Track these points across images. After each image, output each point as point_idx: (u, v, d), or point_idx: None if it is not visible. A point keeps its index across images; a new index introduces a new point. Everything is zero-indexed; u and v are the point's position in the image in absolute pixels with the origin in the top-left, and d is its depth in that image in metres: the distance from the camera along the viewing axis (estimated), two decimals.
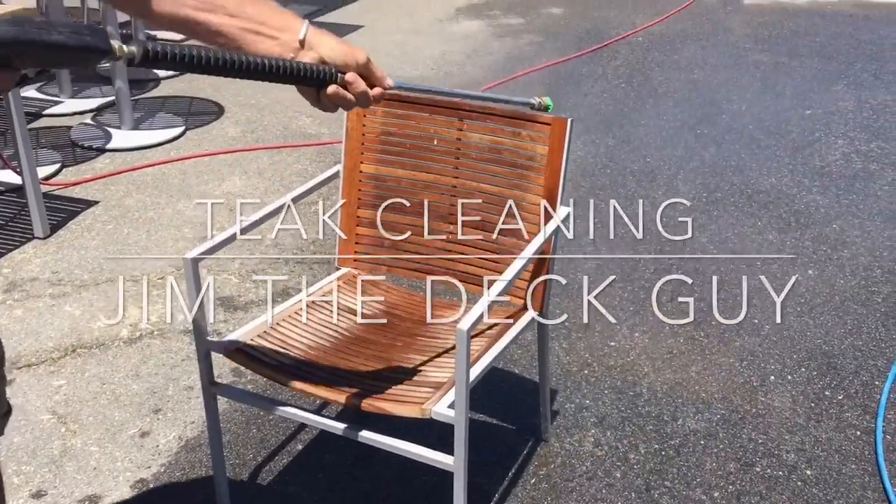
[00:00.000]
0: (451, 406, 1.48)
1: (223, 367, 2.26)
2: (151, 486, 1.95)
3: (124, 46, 0.89)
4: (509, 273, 1.56)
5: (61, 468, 1.99)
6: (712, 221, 3.18)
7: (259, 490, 1.94)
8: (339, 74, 1.11)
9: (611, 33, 5.50)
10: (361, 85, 1.13)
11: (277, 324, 1.76)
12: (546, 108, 1.53)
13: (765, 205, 3.31)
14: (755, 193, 3.40)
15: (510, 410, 2.20)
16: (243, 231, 1.72)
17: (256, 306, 2.63)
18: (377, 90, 1.17)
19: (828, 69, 4.88)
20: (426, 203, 1.92)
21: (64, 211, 3.22)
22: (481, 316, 1.44)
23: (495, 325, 1.79)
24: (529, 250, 1.64)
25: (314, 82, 1.11)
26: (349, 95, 1.13)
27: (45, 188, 3.26)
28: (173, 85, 4.58)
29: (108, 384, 2.28)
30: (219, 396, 1.78)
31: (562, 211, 1.78)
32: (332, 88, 1.11)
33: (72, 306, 2.63)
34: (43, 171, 3.45)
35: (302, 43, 1.09)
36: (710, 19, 5.87)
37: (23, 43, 0.80)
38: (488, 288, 1.87)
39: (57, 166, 3.56)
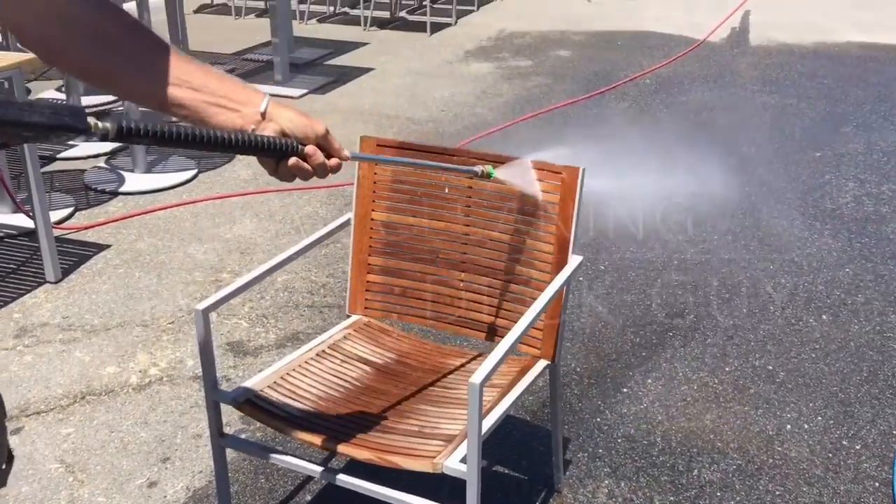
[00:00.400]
0: (463, 460, 1.46)
1: (232, 414, 2.24)
2: None
3: (99, 123, 0.92)
4: (522, 323, 1.54)
5: None
6: (724, 265, 3.16)
7: None
8: (299, 146, 1.15)
9: (619, 75, 5.53)
10: (320, 157, 1.17)
11: (287, 373, 1.75)
12: (488, 176, 1.62)
13: (777, 248, 3.29)
14: (767, 236, 3.38)
15: (521, 458, 2.17)
16: (252, 283, 1.72)
17: (266, 351, 2.62)
18: (334, 161, 1.20)
19: (836, 111, 4.89)
20: (438, 251, 1.92)
21: (76, 255, 3.23)
22: (494, 368, 1.42)
23: (507, 373, 1.77)
24: (542, 300, 1.63)
25: (276, 154, 1.14)
26: (308, 167, 1.16)
27: (57, 232, 3.28)
28: None
29: (116, 432, 2.26)
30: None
31: (574, 259, 1.77)
32: (292, 160, 1.15)
33: (82, 352, 2.62)
34: (56, 215, 3.47)
35: (263, 115, 1.13)
36: (718, 61, 5.90)
37: (4, 122, 0.84)
38: (499, 336, 1.86)
39: (70, 210, 3.58)
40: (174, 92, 1.08)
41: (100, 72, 1.07)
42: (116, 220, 3.50)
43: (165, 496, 2.04)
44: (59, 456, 2.17)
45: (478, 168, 1.61)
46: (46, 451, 2.19)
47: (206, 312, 1.60)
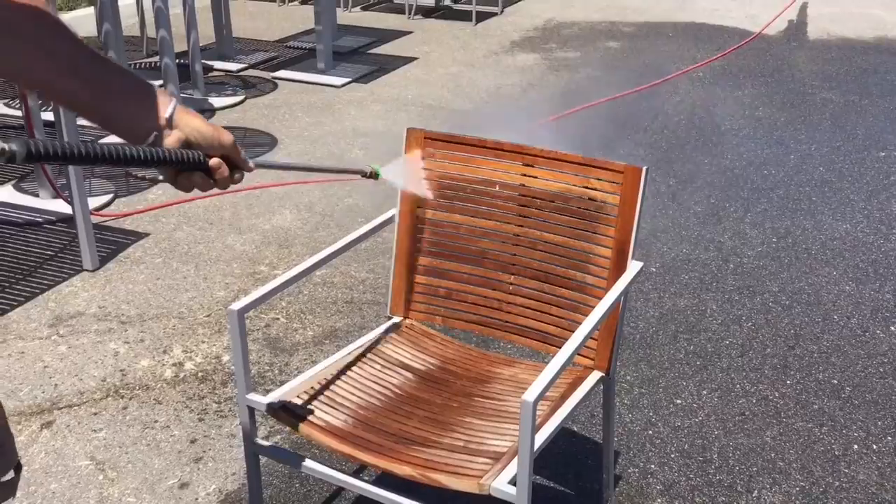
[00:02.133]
0: (513, 481, 1.35)
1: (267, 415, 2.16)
2: None
3: (5, 146, 0.89)
4: (580, 334, 1.43)
5: None
6: (783, 269, 3.00)
7: None
8: (204, 158, 1.09)
9: (670, 68, 5.35)
10: (225, 171, 1.11)
11: (325, 378, 1.65)
12: (375, 176, 1.52)
13: (840, 252, 3.12)
14: (829, 240, 3.21)
15: (569, 472, 2.05)
16: (289, 283, 1.62)
17: (304, 348, 2.54)
18: (238, 175, 1.15)
19: None
20: (486, 251, 1.81)
21: (114, 243, 3.18)
22: (549, 384, 1.31)
23: (559, 385, 1.66)
24: (601, 309, 1.51)
25: (182, 167, 1.09)
26: (208, 180, 1.11)
27: (95, 219, 3.23)
28: (228, 116, 4.56)
29: (149, 429, 2.19)
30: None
31: (633, 265, 1.65)
32: (196, 175, 1.10)
33: (116, 343, 2.56)
34: (95, 202, 3.42)
35: (168, 121, 1.05)
36: (774, 55, 5.69)
37: None
38: (549, 344, 1.74)
39: (109, 196, 3.54)
40: (71, 83, 1.02)
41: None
42: (155, 209, 3.45)
43: (197, 498, 1.97)
44: (90, 452, 2.11)
45: (366, 168, 1.52)
46: (77, 446, 2.13)
47: (241, 313, 1.51)
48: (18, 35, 0.98)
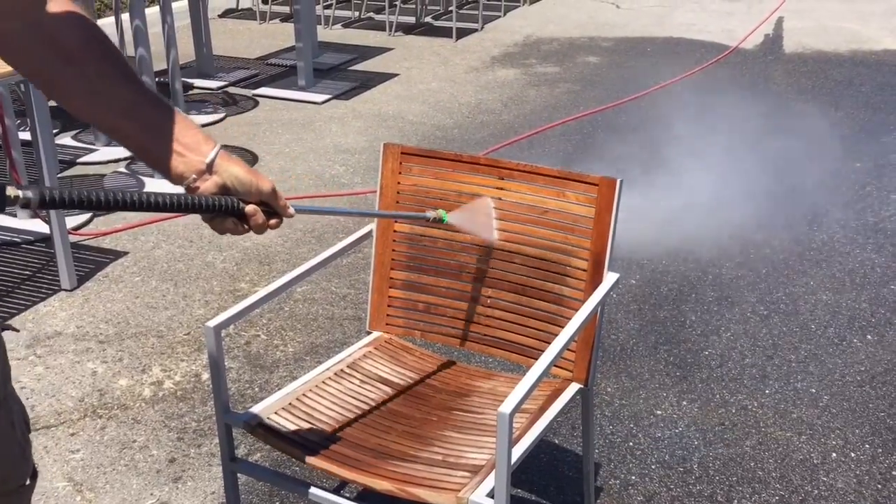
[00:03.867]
0: (491, 494, 1.35)
1: (246, 433, 2.15)
2: None
3: (20, 193, 0.91)
4: (556, 346, 1.43)
5: None
6: (761, 279, 3.03)
7: None
8: (240, 205, 1.10)
9: (648, 83, 5.40)
10: (260, 218, 1.12)
11: (303, 394, 1.65)
12: (440, 220, 1.57)
13: (816, 262, 3.15)
14: (806, 251, 3.24)
15: (550, 484, 2.05)
16: (267, 298, 1.62)
17: (284, 365, 2.53)
18: (275, 221, 1.16)
19: (876, 120, 4.72)
20: (464, 265, 1.81)
21: (92, 262, 3.16)
22: (525, 396, 1.31)
23: (537, 397, 1.66)
24: (577, 320, 1.52)
25: (214, 213, 1.10)
26: (244, 227, 1.12)
27: (73, 238, 3.22)
28: (208, 132, 4.55)
29: (127, 449, 2.18)
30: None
31: (610, 277, 1.66)
32: (229, 221, 1.11)
33: (94, 363, 2.54)
34: (73, 221, 3.40)
35: (209, 167, 1.07)
36: (751, 69, 5.75)
37: None
38: (528, 356, 1.74)
39: (88, 216, 3.52)
40: (121, 122, 1.04)
41: (48, 79, 1.02)
42: (134, 227, 3.43)
43: None
44: (68, 473, 2.09)
45: (429, 213, 1.57)
46: (54, 467, 2.11)
47: (217, 330, 1.51)
48: (83, 74, 1.00)
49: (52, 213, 2.87)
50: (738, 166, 4.07)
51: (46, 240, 3.19)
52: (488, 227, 1.75)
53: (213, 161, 1.07)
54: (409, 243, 1.85)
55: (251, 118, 4.78)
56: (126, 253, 3.22)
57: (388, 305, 1.89)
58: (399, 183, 1.85)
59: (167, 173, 1.07)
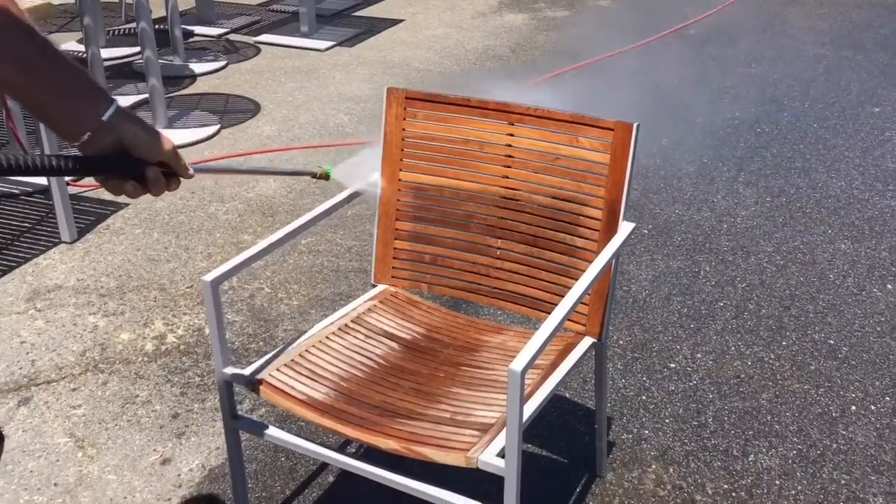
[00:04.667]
0: (501, 454, 1.30)
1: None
2: None
3: None
4: (569, 300, 1.36)
5: (75, 498, 1.85)
6: (777, 228, 2.94)
7: None
8: (139, 166, 1.05)
9: (662, 26, 5.24)
10: (160, 182, 1.07)
11: (306, 350, 1.59)
12: (326, 177, 1.57)
13: (835, 210, 3.06)
14: (823, 198, 3.15)
15: (560, 440, 2.01)
16: (268, 250, 1.55)
17: (288, 318, 2.47)
18: (173, 184, 1.11)
19: (895, 63, 4.58)
20: (472, 215, 1.74)
21: (92, 214, 3.09)
22: (538, 353, 1.25)
23: (549, 352, 1.60)
24: (591, 272, 1.45)
25: (112, 173, 1.05)
26: (140, 188, 1.07)
27: (73, 190, 3.15)
28: (210, 82, 4.45)
29: (129, 404, 2.14)
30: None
31: (625, 227, 1.58)
32: (129, 184, 1.06)
33: (95, 317, 2.49)
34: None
35: (106, 124, 1.01)
36: (766, 11, 5.58)
37: None
38: (539, 309, 1.68)
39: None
40: (4, 67, 0.96)
41: None
42: None
43: (180, 474, 1.92)
44: (69, 429, 2.05)
45: (316, 169, 1.55)
46: (55, 423, 2.07)
47: (215, 284, 1.44)
48: None
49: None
50: (751, 113, 3.95)
51: (45, 191, 3.12)
52: (373, 182, 1.77)
53: (110, 118, 1.01)
54: (415, 193, 1.77)
55: (253, 66, 4.67)
56: (127, 204, 3.15)
57: (394, 258, 1.82)
58: (404, 130, 1.76)
59: (58, 130, 1.01)
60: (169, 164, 1.07)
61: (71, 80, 0.99)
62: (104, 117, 1.00)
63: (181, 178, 1.11)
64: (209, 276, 1.43)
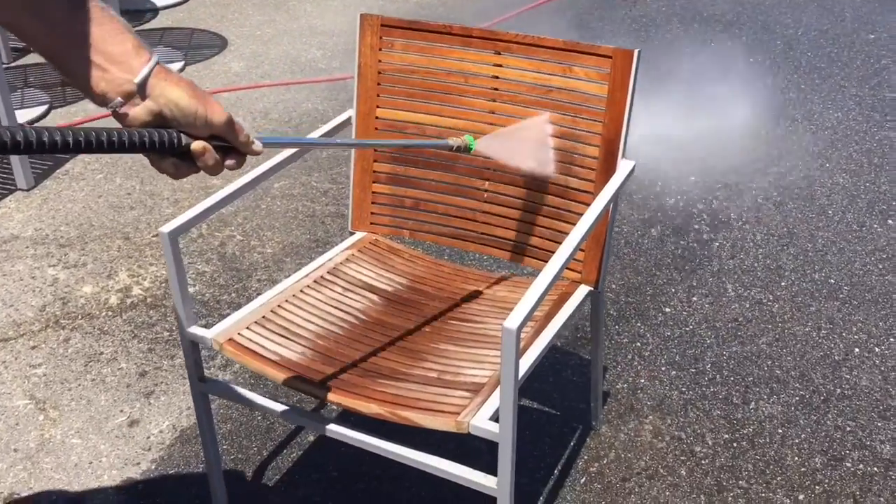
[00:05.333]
0: (495, 417, 1.18)
1: None
2: (140, 486, 1.68)
3: None
4: (567, 246, 1.23)
5: (37, 465, 1.73)
6: (773, 162, 2.82)
7: (264, 492, 1.67)
8: (183, 141, 0.85)
9: None
10: (210, 159, 0.87)
11: (279, 305, 1.46)
12: (468, 149, 1.30)
13: (832, 143, 2.94)
14: (820, 130, 3.02)
15: (554, 392, 1.90)
16: (234, 196, 1.41)
17: (262, 268, 2.33)
18: (232, 161, 0.91)
19: None
20: (456, 154, 1.59)
21: (50, 158, 2.91)
22: (534, 308, 1.12)
23: (544, 301, 1.48)
24: (590, 216, 1.32)
25: (149, 152, 0.86)
26: (188, 166, 0.88)
27: None
28: (173, 16, 4.21)
29: (93, 362, 2.00)
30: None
31: (624, 165, 1.45)
32: (168, 162, 0.87)
33: (55, 269, 2.34)
34: (29, 114, 3.14)
35: (140, 88, 0.83)
36: None
37: None
38: (530, 256, 1.56)
39: (44, 108, 3.24)
40: (22, 18, 0.79)
41: None
42: (96, 119, 3.16)
43: (149, 437, 1.80)
44: (29, 390, 1.92)
45: (453, 141, 1.28)
46: (14, 384, 1.94)
47: (174, 235, 1.30)
48: None
49: (2, 107, 2.60)
50: (743, 42, 3.79)
51: None
52: (540, 156, 1.42)
53: (145, 80, 0.83)
54: (394, 131, 1.62)
55: None
56: None
57: (373, 202, 1.68)
58: (380, 62, 1.60)
59: (86, 91, 0.84)
60: (224, 138, 0.89)
61: (98, 28, 0.82)
62: (137, 79, 0.83)
63: (242, 158, 0.92)
64: (167, 227, 1.29)
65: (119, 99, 0.84)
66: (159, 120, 0.85)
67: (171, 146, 0.85)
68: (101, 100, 0.84)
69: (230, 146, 0.90)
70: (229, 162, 0.91)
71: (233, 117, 0.89)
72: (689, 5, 4.24)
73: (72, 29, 0.81)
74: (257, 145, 0.92)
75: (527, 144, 1.42)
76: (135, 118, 0.85)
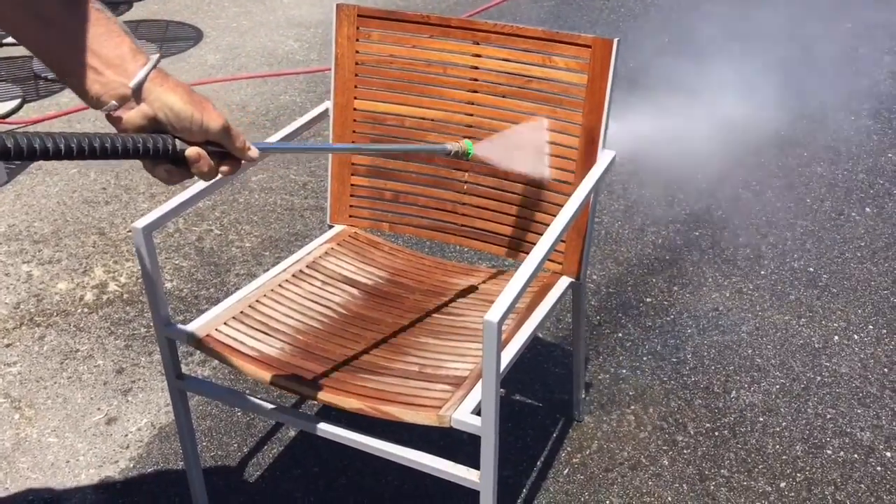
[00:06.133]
0: (477, 411, 1.17)
1: None
2: (118, 486, 1.66)
3: None
4: (548, 238, 1.23)
5: (13, 465, 1.70)
6: (751, 154, 2.83)
7: (245, 488, 1.65)
8: (177, 147, 0.84)
9: None
10: (205, 165, 0.86)
11: (257, 300, 1.44)
12: (466, 155, 1.32)
13: (809, 132, 2.95)
14: (796, 118, 3.04)
15: (535, 383, 1.90)
16: (208, 191, 1.38)
17: (241, 263, 2.31)
18: (226, 167, 0.90)
19: None
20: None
21: None
22: (515, 300, 1.11)
23: (525, 293, 1.47)
24: (570, 208, 1.31)
25: (142, 158, 0.85)
26: (181, 172, 0.87)
27: (2, 127, 2.91)
28: (147, 7, 4.16)
29: (69, 359, 1.97)
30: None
31: (605, 155, 1.44)
32: (161, 169, 0.86)
33: (29, 265, 2.30)
34: (1, 108, 3.08)
35: (136, 92, 0.82)
36: None
37: None
38: (511, 248, 1.55)
39: (17, 102, 3.19)
40: (13, 13, 0.78)
41: None
42: (69, 113, 3.12)
43: (127, 434, 1.77)
44: (4, 389, 1.89)
45: (449, 146, 1.29)
46: None
47: (148, 231, 1.27)
48: None
49: None
50: (717, 31, 3.80)
51: None
52: (537, 160, 1.44)
53: (140, 84, 0.81)
54: (372, 123, 1.60)
55: None
56: None
57: (351, 195, 1.66)
58: (357, 52, 1.58)
59: (80, 92, 0.82)
60: (220, 145, 0.87)
61: (94, 28, 0.80)
62: (133, 83, 0.81)
63: (238, 164, 0.90)
64: (140, 223, 1.26)
65: (113, 102, 0.82)
66: (154, 124, 0.84)
67: (165, 152, 0.84)
68: (95, 102, 0.83)
69: (226, 152, 0.89)
70: (224, 168, 0.90)
71: (229, 123, 0.88)
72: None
73: (66, 27, 0.79)
74: (253, 151, 0.92)
75: (524, 149, 1.43)
76: (129, 122, 0.83)
